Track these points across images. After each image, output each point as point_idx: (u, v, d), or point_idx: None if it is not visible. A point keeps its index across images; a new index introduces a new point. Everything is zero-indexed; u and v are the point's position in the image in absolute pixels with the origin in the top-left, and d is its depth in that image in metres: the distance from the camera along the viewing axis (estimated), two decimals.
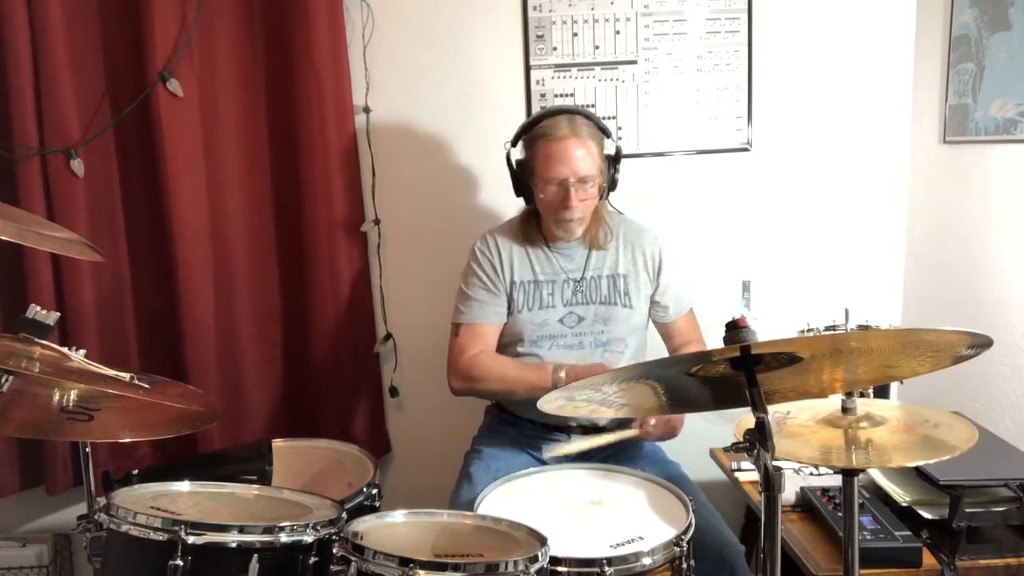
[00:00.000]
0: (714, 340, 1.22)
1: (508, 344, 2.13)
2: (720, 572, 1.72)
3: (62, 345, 1.59)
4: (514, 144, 2.12)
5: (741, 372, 1.23)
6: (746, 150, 2.54)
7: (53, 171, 2.26)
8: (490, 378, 2.05)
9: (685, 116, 2.51)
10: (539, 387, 1.91)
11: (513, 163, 2.11)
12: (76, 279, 2.30)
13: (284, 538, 1.47)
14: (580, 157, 1.99)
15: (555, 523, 1.57)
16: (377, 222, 2.49)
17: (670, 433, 2.00)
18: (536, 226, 2.14)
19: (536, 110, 2.44)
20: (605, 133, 2.07)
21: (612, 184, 2.12)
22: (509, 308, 2.11)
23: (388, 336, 2.55)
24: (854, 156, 2.55)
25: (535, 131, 2.05)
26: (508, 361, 2.08)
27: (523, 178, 2.08)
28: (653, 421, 1.94)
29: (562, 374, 1.95)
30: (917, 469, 1.81)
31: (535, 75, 2.48)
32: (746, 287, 2.58)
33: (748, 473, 2.13)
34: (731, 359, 1.23)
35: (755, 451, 1.21)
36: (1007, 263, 2.16)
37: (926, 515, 1.78)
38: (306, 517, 1.55)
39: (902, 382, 1.91)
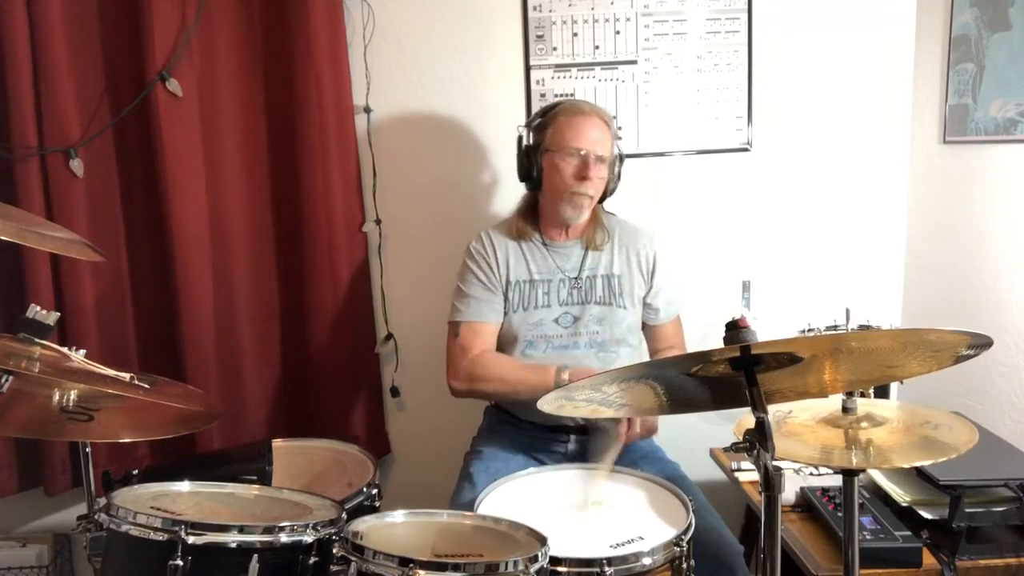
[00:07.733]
0: (714, 340, 1.22)
1: (503, 345, 2.12)
2: (719, 572, 1.72)
3: (62, 345, 1.59)
4: (528, 125, 2.12)
5: (741, 372, 1.23)
6: (746, 150, 2.54)
7: (52, 171, 2.26)
8: (493, 379, 2.05)
9: (685, 116, 2.51)
10: (541, 388, 1.90)
11: (525, 142, 2.10)
12: (76, 279, 2.30)
13: (284, 538, 1.47)
14: (601, 135, 2.03)
15: (555, 523, 1.57)
16: (378, 222, 2.49)
17: (651, 431, 2.01)
18: (533, 219, 2.13)
19: (536, 110, 2.44)
20: (615, 135, 2.11)
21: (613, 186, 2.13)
22: (504, 308, 2.10)
23: (389, 336, 2.55)
24: (854, 156, 2.55)
25: (555, 110, 2.06)
26: (510, 361, 2.07)
27: (533, 160, 2.07)
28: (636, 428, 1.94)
29: (565, 376, 1.94)
30: (917, 469, 1.81)
31: (535, 75, 2.48)
32: (746, 287, 2.58)
33: (748, 473, 2.12)
34: (731, 359, 1.23)
35: (755, 451, 1.21)
36: (1007, 263, 2.16)
37: (926, 515, 1.78)
38: (306, 517, 1.55)
39: (902, 382, 1.91)
